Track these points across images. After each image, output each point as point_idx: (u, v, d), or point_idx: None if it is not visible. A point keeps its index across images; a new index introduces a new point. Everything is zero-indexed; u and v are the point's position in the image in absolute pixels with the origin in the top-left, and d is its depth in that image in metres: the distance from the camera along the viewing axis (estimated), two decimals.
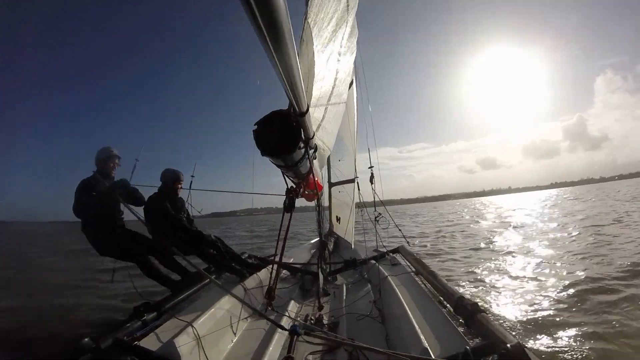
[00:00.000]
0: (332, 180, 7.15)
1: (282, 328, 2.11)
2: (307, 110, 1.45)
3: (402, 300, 2.65)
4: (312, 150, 2.06)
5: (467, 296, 2.61)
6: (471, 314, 2.17)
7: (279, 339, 2.36)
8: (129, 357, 1.88)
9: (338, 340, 2.08)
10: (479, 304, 2.32)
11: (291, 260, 4.96)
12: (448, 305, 2.59)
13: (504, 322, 4.19)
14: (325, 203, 7.21)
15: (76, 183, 3.25)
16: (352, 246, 5.84)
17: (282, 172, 2.13)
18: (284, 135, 1.58)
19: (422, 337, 1.95)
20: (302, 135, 1.63)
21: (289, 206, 2.17)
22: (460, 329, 2.16)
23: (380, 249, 4.95)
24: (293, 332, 1.96)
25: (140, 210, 3.61)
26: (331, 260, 5.20)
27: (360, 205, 5.74)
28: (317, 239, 6.30)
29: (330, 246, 6.27)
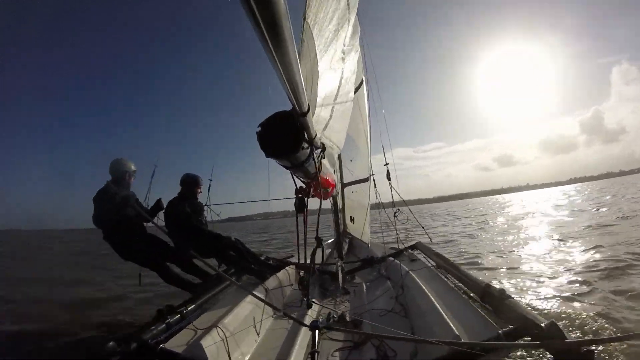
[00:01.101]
0: (345, 181, 7.11)
1: (303, 324, 2.11)
2: (309, 110, 1.45)
3: (427, 292, 2.62)
4: (319, 150, 2.06)
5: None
6: (500, 301, 2.14)
7: (304, 336, 2.37)
8: None
9: (364, 334, 2.07)
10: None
11: (308, 261, 4.98)
12: (474, 295, 2.56)
13: None
14: (339, 204, 7.18)
15: (90, 189, 3.34)
16: (369, 245, 5.81)
17: (290, 172, 2.14)
18: (287, 136, 1.59)
19: (452, 325, 1.93)
20: (305, 136, 1.63)
21: (300, 206, 2.18)
22: (490, 318, 2.12)
23: (398, 246, 4.91)
24: (314, 327, 1.95)
25: (161, 215, 3.70)
26: (346, 260, 5.19)
27: (378, 205, 5.71)
28: (332, 239, 6.29)
29: (345, 246, 6.25)
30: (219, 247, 3.91)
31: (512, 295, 2.22)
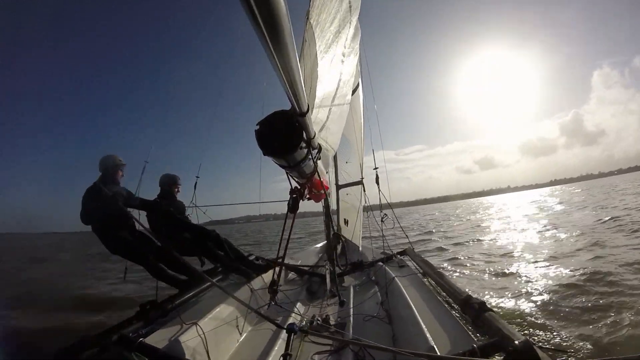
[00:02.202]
0: (340, 183, 7.10)
1: (279, 326, 2.10)
2: (308, 110, 1.45)
3: (409, 300, 2.64)
4: (316, 151, 2.06)
5: (475, 295, 2.57)
6: (478, 313, 2.14)
7: (285, 339, 2.37)
8: (133, 354, 1.88)
9: (344, 340, 2.07)
10: (487, 303, 2.29)
11: (299, 263, 4.96)
12: (455, 305, 2.56)
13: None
14: (333, 205, 7.18)
15: (82, 188, 3.31)
16: (360, 248, 5.81)
17: (286, 172, 2.13)
18: (286, 135, 1.59)
19: (428, 335, 1.94)
20: (304, 136, 1.63)
21: (292, 207, 2.17)
22: (469, 328, 2.13)
23: (387, 251, 4.92)
24: (290, 330, 1.95)
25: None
26: (339, 262, 5.19)
27: (367, 208, 5.73)
28: (324, 242, 6.28)
29: (338, 249, 6.25)
30: (205, 242, 3.91)
31: (491, 308, 2.22)
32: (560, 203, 28.57)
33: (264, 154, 1.63)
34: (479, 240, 12.46)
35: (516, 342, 1.64)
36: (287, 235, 2.18)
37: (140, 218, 3.68)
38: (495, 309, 4.21)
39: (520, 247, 9.59)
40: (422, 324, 2.12)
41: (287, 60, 0.95)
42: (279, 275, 2.59)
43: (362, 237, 6.13)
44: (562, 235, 10.51)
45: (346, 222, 6.88)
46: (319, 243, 7.27)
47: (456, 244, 12.03)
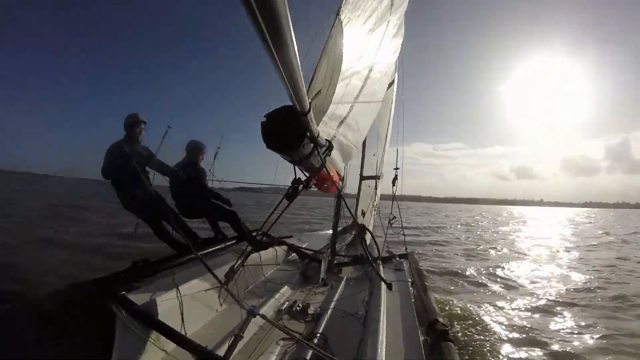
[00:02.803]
0: (365, 174, 7.04)
1: (242, 306, 2.14)
2: (309, 110, 1.44)
3: (382, 307, 2.61)
4: (324, 148, 2.05)
5: (442, 320, 2.49)
6: (437, 340, 2.12)
7: (257, 319, 2.33)
8: (113, 305, 2.00)
9: (290, 332, 2.07)
10: (452, 330, 2.21)
11: (305, 245, 4.97)
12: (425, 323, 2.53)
13: None
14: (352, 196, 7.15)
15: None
16: (368, 242, 5.79)
17: (293, 164, 2.15)
18: (290, 132, 1.59)
19: (379, 350, 1.95)
20: (308, 134, 1.62)
21: (291, 195, 2.21)
22: (427, 351, 2.12)
23: (393, 251, 4.87)
24: (250, 313, 2.00)
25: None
26: (346, 253, 5.19)
27: (377, 204, 5.66)
28: (341, 228, 6.27)
29: (349, 239, 6.22)
30: (213, 210, 4.14)
31: (452, 339, 2.17)
32: (606, 232, 22.90)
33: (267, 147, 1.64)
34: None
35: None
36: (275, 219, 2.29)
37: (159, 178, 3.88)
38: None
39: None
40: (379, 336, 2.12)
41: (288, 61, 0.96)
42: (243, 262, 2.70)
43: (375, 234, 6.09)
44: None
45: (363, 213, 6.85)
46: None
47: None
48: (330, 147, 2.17)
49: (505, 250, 12.80)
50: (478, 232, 20.58)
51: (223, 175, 4.48)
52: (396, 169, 5.25)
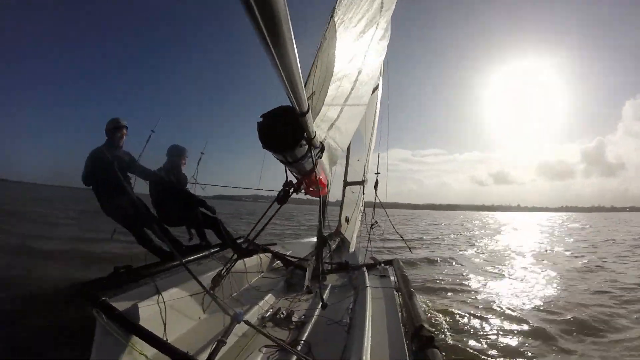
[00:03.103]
0: (349, 180, 7.05)
1: (226, 312, 2.15)
2: (308, 110, 1.42)
3: (367, 314, 2.60)
4: (317, 150, 2.03)
5: (428, 326, 2.44)
6: (422, 347, 2.11)
7: (241, 325, 2.33)
8: (94, 310, 1.97)
9: (276, 340, 2.08)
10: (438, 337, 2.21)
11: (289, 253, 4.95)
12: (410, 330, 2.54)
13: None
14: (336, 202, 7.15)
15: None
16: (352, 249, 5.78)
17: (285, 166, 2.11)
18: (287, 132, 1.57)
19: (364, 357, 1.94)
20: (305, 134, 1.60)
21: (282, 198, 2.18)
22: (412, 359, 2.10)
23: (377, 258, 4.89)
24: (234, 319, 2.00)
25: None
26: (330, 260, 5.16)
27: (362, 210, 5.69)
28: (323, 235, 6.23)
29: (333, 246, 6.21)
30: (197, 216, 4.04)
31: (437, 345, 2.16)
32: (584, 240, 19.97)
33: (264, 147, 1.62)
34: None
35: None
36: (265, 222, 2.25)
37: (140, 184, 3.77)
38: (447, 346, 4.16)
39: None
40: (365, 343, 2.11)
41: (287, 61, 0.95)
42: (231, 265, 2.67)
43: (358, 238, 6.10)
44: None
45: (347, 219, 6.86)
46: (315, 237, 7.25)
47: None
48: (322, 149, 2.15)
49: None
50: (487, 245, 16.54)
51: (204, 182, 4.40)
52: (377, 173, 5.30)
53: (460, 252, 13.35)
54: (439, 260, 10.76)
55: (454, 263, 10.48)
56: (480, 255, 12.80)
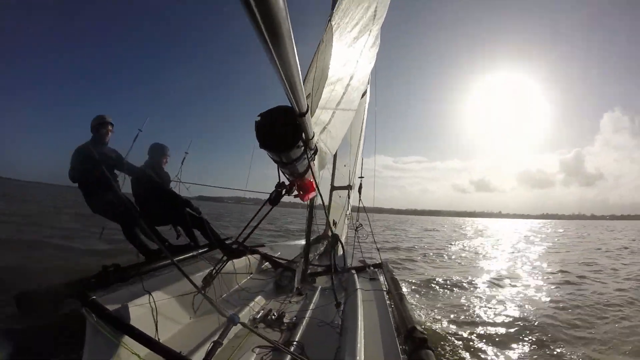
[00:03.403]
0: (335, 184, 7.14)
1: (222, 314, 2.14)
2: (307, 111, 1.44)
3: (359, 316, 2.62)
4: (312, 152, 2.04)
5: (420, 328, 2.48)
6: (416, 348, 2.13)
7: (233, 327, 2.34)
8: (84, 309, 1.94)
9: (271, 341, 2.08)
10: (430, 338, 2.26)
11: (278, 254, 4.95)
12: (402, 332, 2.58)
13: None
14: (324, 206, 7.17)
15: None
16: (340, 252, 5.81)
17: (277, 167, 2.12)
18: (285, 132, 1.57)
19: (358, 358, 1.96)
20: (302, 135, 1.61)
21: (274, 199, 2.18)
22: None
23: (368, 260, 4.94)
24: (231, 320, 2.00)
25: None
26: (319, 262, 5.19)
27: (349, 214, 5.76)
28: (313, 237, 6.24)
29: (322, 248, 6.24)
30: (184, 215, 3.96)
31: (431, 347, 2.19)
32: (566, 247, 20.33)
33: (260, 147, 1.61)
34: None
35: None
36: (255, 223, 2.29)
37: (127, 182, 3.71)
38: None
39: None
40: (357, 345, 2.12)
41: (287, 61, 0.96)
42: (222, 265, 2.69)
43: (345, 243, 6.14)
44: None
45: (334, 223, 6.91)
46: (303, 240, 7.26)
47: None
48: (316, 152, 2.17)
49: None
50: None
51: (187, 181, 4.36)
52: (361, 177, 5.39)
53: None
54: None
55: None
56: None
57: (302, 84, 1.23)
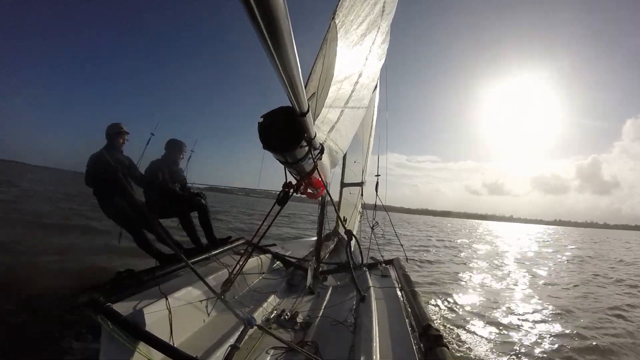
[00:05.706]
0: (345, 181, 7.10)
1: (238, 317, 2.15)
2: (308, 111, 1.42)
3: (374, 314, 2.61)
4: (317, 151, 2.03)
5: (435, 325, 2.45)
6: (431, 346, 2.10)
7: (245, 328, 2.36)
8: (99, 317, 1.94)
9: (287, 342, 2.08)
10: (446, 335, 2.22)
11: (288, 253, 4.95)
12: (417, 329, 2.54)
13: None
14: (335, 203, 7.15)
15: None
16: (352, 249, 5.77)
17: (284, 167, 2.12)
18: (287, 133, 1.57)
19: (373, 356, 1.95)
20: (305, 135, 1.61)
21: (282, 199, 2.18)
22: (420, 358, 2.11)
23: (378, 258, 4.90)
24: (248, 323, 2.01)
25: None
26: (330, 260, 5.17)
27: (363, 211, 5.70)
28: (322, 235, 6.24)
29: (332, 246, 6.23)
30: (188, 208, 4.10)
31: (446, 344, 2.15)
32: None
33: (264, 148, 1.62)
34: None
35: None
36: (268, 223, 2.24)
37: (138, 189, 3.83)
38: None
39: None
40: (373, 343, 2.11)
41: (287, 61, 0.95)
42: (242, 265, 2.67)
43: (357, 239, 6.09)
44: None
45: (345, 220, 6.88)
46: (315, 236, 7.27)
47: None
48: (322, 151, 2.15)
49: None
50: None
51: (196, 173, 4.49)
52: (377, 175, 5.33)
53: None
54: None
55: None
56: None
57: (302, 83, 1.22)
